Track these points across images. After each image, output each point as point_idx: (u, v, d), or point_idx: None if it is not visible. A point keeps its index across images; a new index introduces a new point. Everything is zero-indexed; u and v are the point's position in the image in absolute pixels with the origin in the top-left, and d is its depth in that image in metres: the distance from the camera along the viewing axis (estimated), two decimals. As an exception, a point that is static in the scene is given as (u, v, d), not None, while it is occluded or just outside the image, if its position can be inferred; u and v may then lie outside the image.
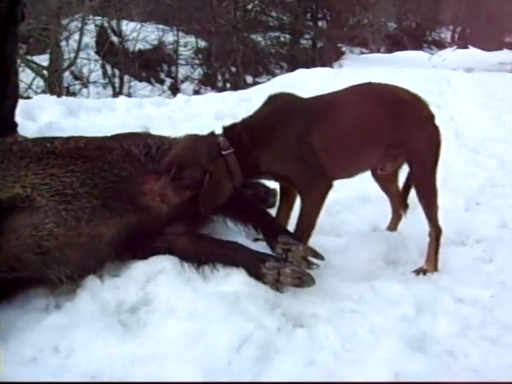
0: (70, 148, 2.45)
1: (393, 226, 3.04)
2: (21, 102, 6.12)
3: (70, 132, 4.11)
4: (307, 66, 11.65)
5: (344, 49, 17.40)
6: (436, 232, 2.73)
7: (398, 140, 2.59)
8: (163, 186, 2.27)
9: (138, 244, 2.35)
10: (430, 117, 2.71)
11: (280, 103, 2.49)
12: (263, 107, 2.51)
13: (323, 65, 12.42)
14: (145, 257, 2.35)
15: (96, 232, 2.28)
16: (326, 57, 14.91)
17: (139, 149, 2.55)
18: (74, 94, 12.67)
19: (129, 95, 12.69)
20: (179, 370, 1.81)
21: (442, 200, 2.91)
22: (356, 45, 18.07)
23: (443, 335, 2.15)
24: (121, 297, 2.18)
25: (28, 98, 9.45)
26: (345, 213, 3.38)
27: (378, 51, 17.96)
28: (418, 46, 19.60)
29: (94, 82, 14.52)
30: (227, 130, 2.41)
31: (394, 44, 18.87)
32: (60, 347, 1.93)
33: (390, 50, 17.83)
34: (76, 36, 12.49)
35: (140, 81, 16.02)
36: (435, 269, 2.68)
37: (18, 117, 5.27)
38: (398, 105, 2.59)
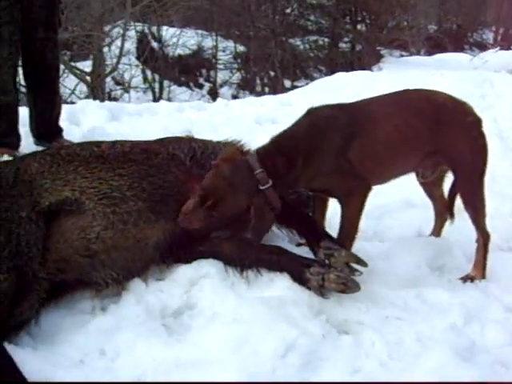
0: (116, 152, 2.49)
1: (436, 233, 2.97)
2: (65, 107, 6.28)
3: (113, 136, 4.18)
4: (346, 70, 11.52)
5: (383, 52, 17.14)
6: (484, 238, 2.65)
7: (438, 147, 2.54)
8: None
9: (182, 248, 2.36)
10: (475, 122, 2.63)
11: (314, 119, 2.42)
12: (297, 124, 2.44)
13: (362, 68, 12.24)
14: (188, 261, 2.36)
15: (142, 235, 2.30)
16: (364, 60, 14.70)
17: (184, 153, 2.57)
18: (115, 99, 12.90)
19: (169, 100, 12.82)
20: (223, 376, 1.81)
21: (487, 205, 2.84)
22: (395, 47, 17.79)
23: (493, 345, 2.09)
24: (165, 300, 2.19)
25: (72, 103, 9.70)
26: (387, 218, 3.32)
27: (418, 54, 17.63)
28: (459, 48, 19.18)
29: (135, 87, 14.75)
30: (262, 154, 2.32)
31: (435, 46, 18.51)
32: (106, 350, 1.95)
33: (430, 53, 17.49)
34: (118, 42, 12.70)
35: (179, 85, 16.17)
36: (483, 276, 2.61)
37: (63, 122, 5.43)
38: (436, 111, 2.54)
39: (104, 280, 2.22)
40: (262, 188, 2.25)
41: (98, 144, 2.55)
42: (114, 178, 2.35)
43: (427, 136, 2.51)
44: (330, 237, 2.49)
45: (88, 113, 5.63)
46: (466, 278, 2.60)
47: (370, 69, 13.10)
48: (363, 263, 2.34)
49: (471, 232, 2.89)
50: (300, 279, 2.26)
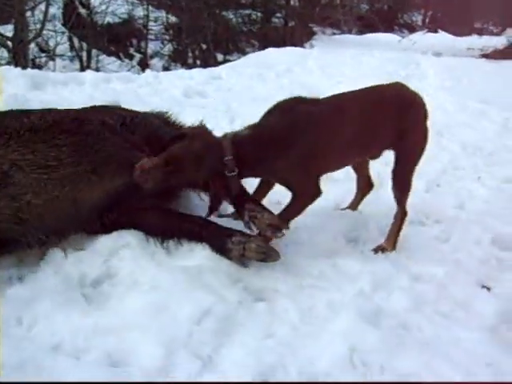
0: (48, 122, 2.47)
1: (354, 206, 3.12)
2: (-16, 73, 6.01)
3: (35, 106, 4.04)
4: (278, 45, 11.57)
5: (316, 29, 17.33)
6: (402, 215, 2.82)
7: (396, 137, 2.68)
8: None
9: (116, 210, 2.40)
10: (426, 115, 2.80)
11: (287, 112, 2.48)
12: (270, 115, 2.50)
13: (294, 44, 12.34)
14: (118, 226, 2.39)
15: (80, 196, 2.34)
16: (297, 36, 14.84)
17: (114, 119, 2.61)
18: (40, 67, 12.37)
19: (97, 70, 12.44)
20: (140, 341, 1.85)
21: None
22: (328, 25, 18.01)
23: (398, 310, 2.24)
24: (84, 270, 2.20)
25: (-8, 69, 9.22)
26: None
27: (350, 33, 17.94)
28: (389, 29, 19.65)
29: (61, 55, 14.18)
30: (235, 142, 2.36)
31: (366, 26, 18.86)
32: (23, 319, 1.95)
33: (361, 32, 17.82)
34: (42, 6, 12.14)
35: (108, 55, 15.67)
36: (394, 248, 2.77)
37: (-18, 88, 5.19)
38: (399, 104, 2.69)
39: (29, 243, 2.24)
40: (227, 174, 2.32)
41: (27, 114, 2.51)
42: (50, 148, 2.36)
43: (390, 127, 2.66)
44: (255, 201, 2.57)
45: (10, 80, 5.40)
46: (378, 249, 2.76)
47: (301, 45, 13.24)
48: (285, 225, 2.44)
49: (385, 207, 3.06)
50: (222, 249, 2.33)
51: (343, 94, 2.73)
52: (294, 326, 2.07)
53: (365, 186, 3.10)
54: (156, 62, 16.16)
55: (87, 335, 1.88)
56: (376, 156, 2.89)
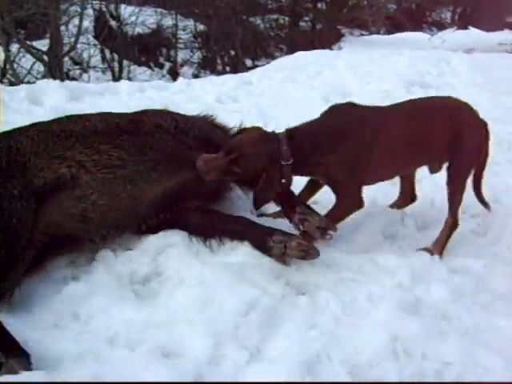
0: (107, 124, 2.61)
1: (397, 207, 3.14)
2: (25, 86, 6.25)
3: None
4: (306, 49, 11.66)
5: (343, 31, 17.35)
6: (453, 222, 2.82)
7: (449, 150, 2.74)
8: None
9: (171, 208, 2.52)
10: (483, 127, 2.84)
11: (342, 113, 2.63)
12: (326, 115, 2.64)
13: (323, 47, 12.40)
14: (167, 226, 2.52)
15: (139, 193, 2.47)
16: (325, 39, 14.88)
17: (167, 122, 2.74)
18: (74, 79, 12.70)
19: (128, 79, 12.69)
20: (190, 334, 1.95)
21: (439, 178, 3.04)
22: (356, 26, 18.00)
23: (437, 301, 2.29)
24: (134, 268, 2.32)
25: (28, 82, 9.53)
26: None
27: (378, 33, 17.90)
28: (417, 27, 19.50)
29: (94, 67, 14.52)
30: (290, 134, 2.51)
31: (394, 25, 18.76)
32: (79, 314, 2.08)
33: (389, 32, 17.76)
34: (75, 20, 12.47)
35: (139, 65, 15.97)
36: (441, 253, 2.74)
37: (23, 102, 5.40)
38: (450, 117, 2.74)
39: (93, 240, 2.38)
40: (283, 163, 2.44)
41: (87, 117, 2.66)
42: (113, 148, 2.49)
43: (439, 137, 2.72)
44: (304, 204, 2.66)
45: (48, 93, 5.59)
46: (425, 250, 2.74)
47: (330, 48, 13.29)
48: (334, 228, 2.52)
49: (422, 203, 3.11)
50: (263, 247, 2.40)
51: (397, 104, 2.82)
52: (336, 318, 2.14)
53: (407, 195, 3.12)
54: (186, 70, 16.40)
55: (140, 329, 1.99)
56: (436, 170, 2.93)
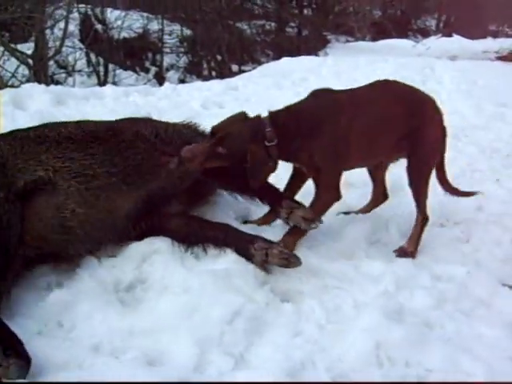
0: (84, 132, 2.59)
1: (367, 210, 3.19)
2: (9, 90, 6.21)
3: (60, 120, 4.20)
4: (293, 54, 11.72)
5: (329, 37, 17.45)
6: (423, 218, 2.89)
7: (410, 133, 2.78)
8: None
9: (149, 217, 2.51)
10: (441, 116, 2.91)
11: (324, 98, 2.69)
12: (305, 99, 2.69)
13: (309, 53, 12.47)
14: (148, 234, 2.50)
15: (114, 206, 2.44)
16: (311, 45, 14.96)
17: (148, 130, 2.73)
18: (58, 83, 12.62)
19: (114, 84, 12.64)
20: (175, 341, 1.95)
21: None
22: (341, 33, 18.13)
23: (420, 308, 2.31)
24: (118, 275, 2.31)
25: (13, 86, 9.45)
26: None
27: (364, 39, 18.02)
28: (403, 34, 19.67)
29: (79, 71, 14.44)
30: (273, 117, 2.57)
31: (380, 32, 18.92)
32: (63, 322, 2.06)
33: (375, 38, 17.89)
34: (60, 24, 12.40)
35: (125, 69, 15.91)
36: (415, 249, 2.83)
37: (7, 106, 5.36)
38: (414, 102, 2.81)
39: (78, 252, 2.36)
40: (267, 144, 2.50)
41: (65, 125, 2.65)
42: (85, 157, 2.47)
43: (404, 122, 2.77)
44: (290, 198, 2.70)
45: (33, 97, 5.56)
46: (400, 251, 2.82)
47: (316, 54, 13.36)
48: (319, 219, 2.56)
49: (405, 210, 3.13)
50: (245, 255, 2.41)
51: (366, 85, 2.86)
52: (320, 325, 2.15)
53: (379, 195, 3.18)
54: (172, 74, 16.38)
55: (124, 336, 1.98)
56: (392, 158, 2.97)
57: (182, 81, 15.04)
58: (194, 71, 16.39)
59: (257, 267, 2.38)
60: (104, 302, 2.14)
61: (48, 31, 12.15)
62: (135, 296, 2.24)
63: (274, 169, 2.59)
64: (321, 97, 2.69)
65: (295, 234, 2.58)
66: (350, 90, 2.84)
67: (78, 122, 2.73)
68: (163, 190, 2.59)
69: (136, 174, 2.54)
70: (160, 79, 15.07)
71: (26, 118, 4.83)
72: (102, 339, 1.97)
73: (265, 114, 2.59)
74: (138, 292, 2.27)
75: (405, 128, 2.77)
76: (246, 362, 1.93)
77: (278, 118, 2.56)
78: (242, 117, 2.58)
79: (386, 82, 2.88)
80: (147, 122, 2.92)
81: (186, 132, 2.95)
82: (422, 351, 2.03)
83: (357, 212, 3.18)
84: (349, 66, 9.44)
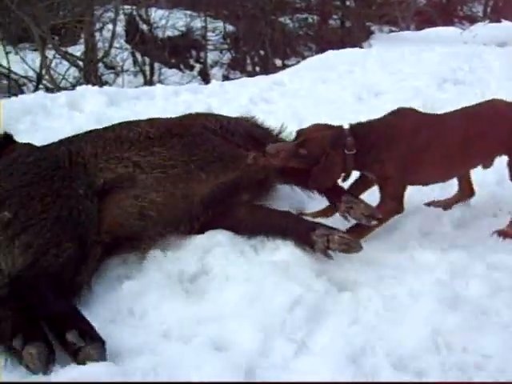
0: (157, 129, 2.79)
1: (450, 203, 3.21)
2: (65, 93, 6.46)
3: (115, 121, 4.37)
4: (336, 47, 11.64)
5: (373, 28, 17.24)
6: None
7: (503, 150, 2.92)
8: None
9: (221, 205, 2.67)
10: None
11: (401, 115, 2.85)
12: (389, 115, 2.85)
13: (352, 45, 12.34)
14: (217, 221, 2.67)
15: (191, 192, 2.62)
16: (354, 37, 14.81)
17: (212, 123, 2.90)
18: (107, 84, 12.99)
19: (160, 82, 12.91)
20: (239, 328, 2.05)
21: (475, 174, 3.09)
22: (385, 23, 17.86)
23: (476, 296, 2.34)
24: (182, 267, 2.44)
25: (65, 88, 9.79)
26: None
27: (408, 29, 17.70)
28: (448, 22, 19.19)
29: (126, 71, 14.79)
30: (354, 128, 2.73)
31: (424, 21, 18.51)
32: (134, 310, 2.20)
33: (420, 28, 17.54)
34: (108, 26, 12.74)
35: (170, 67, 16.19)
36: None
37: (63, 108, 5.60)
38: (502, 117, 2.91)
39: (152, 236, 2.53)
40: (346, 152, 2.64)
41: (137, 123, 2.87)
42: (164, 150, 2.66)
43: (496, 143, 2.90)
44: (350, 193, 2.79)
45: (88, 98, 5.79)
46: (500, 233, 2.91)
47: (360, 46, 13.24)
48: (378, 214, 2.66)
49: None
50: (307, 241, 2.51)
51: (451, 111, 2.99)
52: (377, 313, 2.22)
53: (465, 190, 3.20)
54: (216, 71, 16.55)
55: (191, 323, 2.10)
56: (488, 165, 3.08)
57: (226, 77, 15.18)
58: (237, 67, 16.51)
59: (314, 259, 2.47)
60: (171, 291, 2.27)
61: (97, 33, 12.51)
62: (199, 286, 2.37)
63: (347, 177, 2.77)
64: (401, 115, 2.84)
65: (360, 231, 2.69)
66: (436, 114, 3.02)
67: (149, 120, 2.92)
68: (237, 180, 2.74)
69: (211, 164, 2.70)
70: (204, 76, 15.26)
71: (82, 119, 5.06)
72: (170, 326, 2.10)
73: (346, 126, 2.76)
74: (201, 283, 2.39)
75: (495, 142, 2.89)
76: (308, 347, 2.02)
77: (358, 129, 2.73)
78: (325, 124, 2.77)
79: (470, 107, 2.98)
80: (208, 115, 3.12)
81: (247, 124, 3.08)
82: (479, 338, 2.07)
83: (439, 205, 3.20)
84: (394, 56, 9.33)
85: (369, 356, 1.99)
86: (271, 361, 1.94)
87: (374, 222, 2.65)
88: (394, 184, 2.75)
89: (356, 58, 9.28)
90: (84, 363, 1.83)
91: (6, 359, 1.86)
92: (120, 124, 2.91)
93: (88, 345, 1.87)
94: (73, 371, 1.78)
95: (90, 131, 2.92)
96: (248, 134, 2.97)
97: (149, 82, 13.35)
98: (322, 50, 12.13)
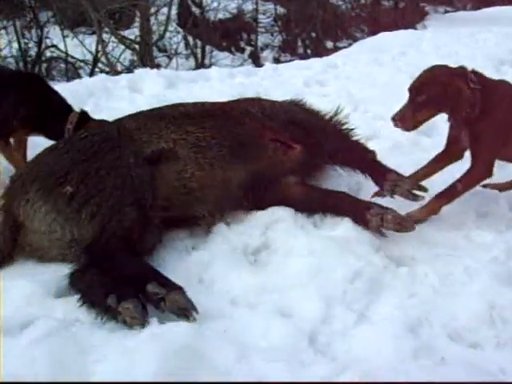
0: (199, 110, 2.92)
1: (507, 186, 3.22)
2: (124, 75, 6.70)
3: (173, 102, 4.54)
4: (389, 29, 11.50)
5: (427, 8, 16.89)
6: None
7: None
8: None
9: (262, 189, 2.77)
10: None
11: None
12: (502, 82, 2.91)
13: (406, 26, 12.18)
14: (270, 202, 2.75)
15: (227, 176, 2.74)
16: (408, 18, 14.59)
17: (255, 108, 3.00)
18: (159, 66, 13.26)
19: (211, 65, 13.08)
20: (302, 297, 2.18)
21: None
22: (440, 3, 17.46)
23: (532, 274, 2.39)
24: (246, 240, 2.58)
25: (121, 72, 10.08)
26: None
27: (464, 9, 17.25)
28: (507, 1, 18.56)
29: (178, 54, 15.03)
30: (479, 74, 2.77)
31: (481, 0, 17.98)
32: (203, 279, 2.37)
33: (476, 7, 17.06)
34: (162, 10, 12.99)
35: (221, 50, 16.34)
36: None
37: (124, 89, 5.83)
38: None
39: (201, 213, 2.67)
40: (472, 86, 2.69)
41: (183, 104, 3.01)
42: (199, 130, 2.78)
43: None
44: (394, 171, 2.83)
45: (147, 81, 6.00)
46: None
47: (414, 27, 13.02)
48: (424, 189, 2.70)
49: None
50: (361, 220, 2.61)
51: None
52: (434, 288, 2.30)
53: None
54: (267, 53, 16.59)
55: (257, 292, 2.24)
56: None
57: (276, 60, 15.21)
58: (288, 50, 16.50)
59: (372, 235, 2.56)
60: (236, 262, 2.42)
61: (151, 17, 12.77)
62: (262, 259, 2.50)
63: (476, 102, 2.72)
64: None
65: (427, 209, 2.75)
66: None
67: (195, 103, 3.07)
68: (270, 165, 2.83)
69: (243, 149, 2.81)
70: (255, 59, 15.35)
71: (142, 101, 5.26)
72: (237, 294, 2.25)
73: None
74: (263, 255, 2.52)
75: None
76: (368, 317, 2.13)
77: (483, 76, 2.77)
78: (436, 67, 2.79)
79: None
80: (255, 100, 3.21)
81: (294, 109, 3.18)
82: (536, 314, 2.13)
83: (495, 187, 3.21)
84: (449, 38, 9.18)
85: (426, 327, 2.08)
86: (333, 328, 2.06)
87: (419, 198, 2.68)
88: (488, 148, 2.76)
89: (410, 40, 9.17)
90: (171, 308, 2.01)
91: (101, 318, 2.05)
92: (169, 105, 3.09)
93: (170, 292, 2.04)
94: (160, 328, 1.94)
95: (141, 111, 3.09)
96: (289, 120, 3.04)
97: (200, 65, 13.55)
98: (374, 32, 12.01)
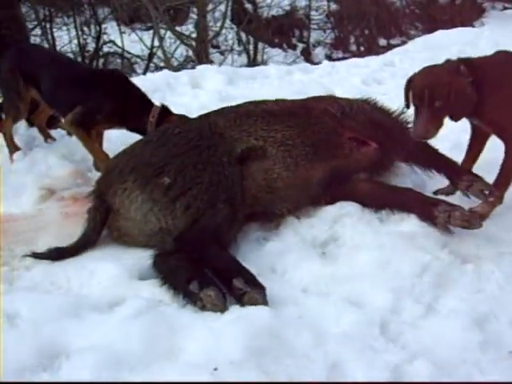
0: (282, 108, 3.03)
1: None
2: (186, 72, 6.89)
3: (236, 98, 4.67)
4: (445, 26, 11.33)
5: (485, 5, 16.48)
6: None
7: None
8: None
9: (336, 186, 2.87)
10: None
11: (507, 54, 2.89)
12: (495, 54, 2.92)
13: (463, 24, 11.98)
14: (339, 198, 2.85)
15: (308, 175, 2.85)
16: (465, 15, 14.29)
17: (334, 108, 3.09)
18: (212, 62, 13.47)
19: (263, 62, 13.20)
20: (372, 288, 2.28)
21: None
22: None
23: None
24: (315, 234, 2.70)
25: (178, 68, 10.31)
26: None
27: (525, 5, 16.73)
28: None
29: (232, 50, 15.21)
30: (465, 61, 2.75)
31: (543, -5, 17.36)
32: (276, 268, 2.50)
33: (538, 3, 16.52)
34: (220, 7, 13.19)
35: (273, 47, 16.41)
36: None
37: (185, 86, 6.01)
38: None
39: (281, 210, 2.80)
40: (465, 79, 2.66)
41: (264, 102, 3.12)
42: (285, 128, 2.90)
43: None
44: (469, 171, 2.94)
45: (208, 77, 6.17)
46: None
47: (471, 24, 12.77)
48: (497, 191, 2.76)
49: None
50: (429, 216, 2.67)
51: None
52: (500, 285, 2.36)
53: None
54: (319, 50, 16.58)
55: (327, 282, 2.35)
56: None
57: (328, 57, 15.17)
58: (340, 46, 16.43)
59: (438, 231, 2.63)
60: (306, 253, 2.54)
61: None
62: (330, 251, 2.61)
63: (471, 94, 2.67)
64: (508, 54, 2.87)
65: (491, 203, 2.78)
66: None
67: (276, 100, 3.17)
68: (346, 163, 2.94)
69: (323, 147, 2.91)
70: (307, 56, 15.36)
71: (205, 97, 5.43)
72: (308, 283, 2.37)
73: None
74: (331, 248, 2.63)
75: None
76: (436, 310, 2.21)
77: (469, 62, 2.74)
78: (429, 68, 2.75)
79: None
80: (331, 99, 3.30)
81: (368, 107, 3.25)
82: None
83: None
84: (509, 36, 9.00)
85: (493, 322, 2.15)
86: (402, 319, 2.15)
87: (491, 199, 2.73)
88: (509, 123, 2.73)
89: (468, 38, 9.05)
90: (249, 305, 2.14)
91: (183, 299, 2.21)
92: (250, 102, 3.20)
93: (253, 290, 2.17)
94: (241, 311, 2.10)
95: (223, 107, 3.22)
96: (368, 120, 3.12)
97: (252, 62, 13.69)
98: (429, 30, 11.85)
